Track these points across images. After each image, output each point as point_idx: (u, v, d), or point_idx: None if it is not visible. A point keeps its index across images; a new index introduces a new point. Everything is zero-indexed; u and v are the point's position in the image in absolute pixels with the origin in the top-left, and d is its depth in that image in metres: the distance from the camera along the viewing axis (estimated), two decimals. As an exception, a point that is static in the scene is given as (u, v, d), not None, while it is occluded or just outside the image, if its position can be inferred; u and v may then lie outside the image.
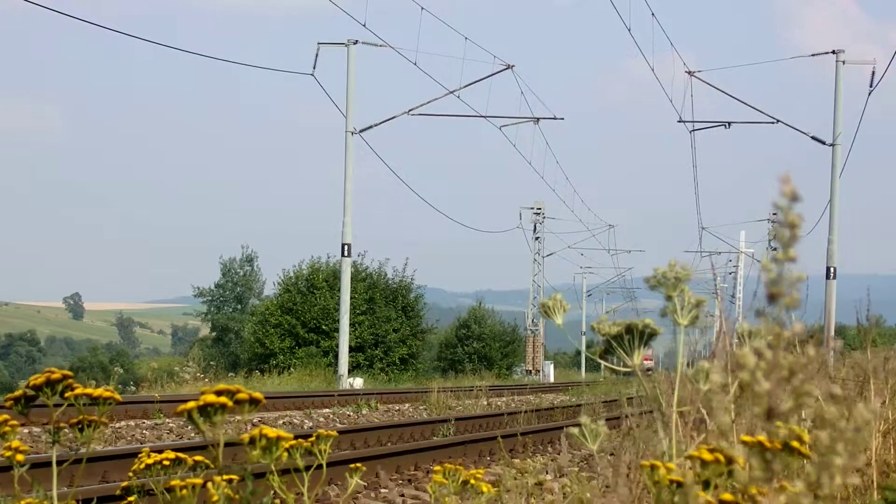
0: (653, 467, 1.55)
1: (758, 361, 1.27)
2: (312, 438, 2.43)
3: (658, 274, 1.95)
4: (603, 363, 2.10)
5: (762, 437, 1.29)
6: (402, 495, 10.90)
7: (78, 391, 2.14)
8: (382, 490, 11.21)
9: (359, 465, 2.72)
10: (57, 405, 2.15)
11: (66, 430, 2.20)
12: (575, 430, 2.08)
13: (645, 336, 2.07)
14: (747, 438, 1.29)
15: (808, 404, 1.26)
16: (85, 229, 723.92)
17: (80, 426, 2.20)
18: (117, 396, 2.20)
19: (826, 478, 1.23)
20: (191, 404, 1.93)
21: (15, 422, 2.22)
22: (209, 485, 2.05)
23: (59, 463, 2.22)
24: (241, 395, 1.94)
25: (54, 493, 2.18)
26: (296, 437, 2.36)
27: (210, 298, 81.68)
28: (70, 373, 2.14)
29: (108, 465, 11.05)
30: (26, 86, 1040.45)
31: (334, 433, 2.48)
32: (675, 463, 1.37)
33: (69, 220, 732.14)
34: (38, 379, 2.14)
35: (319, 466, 2.45)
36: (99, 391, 2.15)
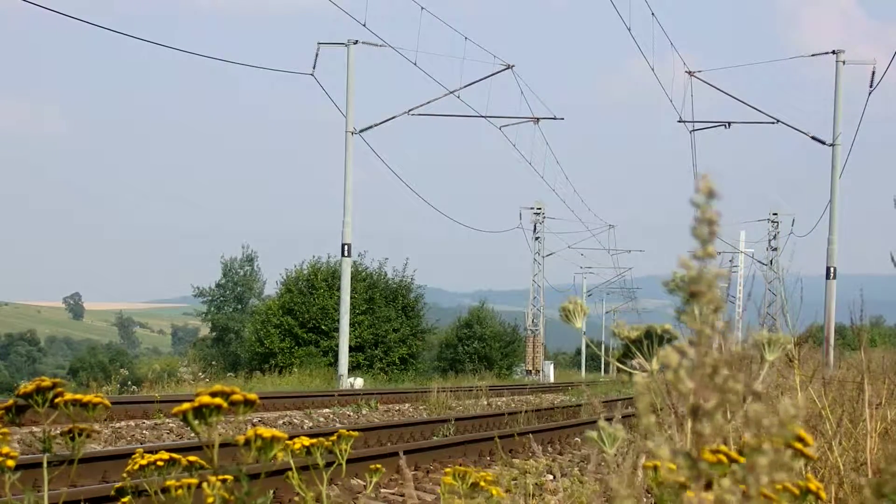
0: (655, 468, 1.55)
1: (681, 360, 1.28)
2: (334, 437, 2.44)
3: (677, 278, 1.96)
4: (620, 367, 2.11)
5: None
6: (402, 496, 10.91)
7: (67, 397, 2.17)
8: (382, 490, 11.21)
9: (378, 465, 2.74)
10: (52, 407, 2.17)
11: (57, 439, 2.23)
12: (593, 434, 2.09)
13: (664, 341, 2.08)
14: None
15: (733, 402, 1.27)
16: (85, 229, 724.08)
17: (70, 434, 2.23)
18: (106, 402, 2.23)
19: (752, 477, 1.24)
20: (186, 406, 1.94)
21: (6, 430, 2.24)
22: (204, 485, 2.06)
23: (54, 466, 2.24)
24: (235, 397, 1.95)
25: (45, 497, 2.19)
26: (316, 436, 2.37)
27: (210, 298, 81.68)
28: (60, 380, 2.18)
29: (108, 465, 11.07)
30: (26, 86, 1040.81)
31: (356, 433, 2.50)
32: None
33: (69, 220, 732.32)
34: (28, 387, 2.17)
35: (338, 465, 2.47)
36: (88, 397, 2.18)
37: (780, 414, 1.24)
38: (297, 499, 9.72)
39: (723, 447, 1.46)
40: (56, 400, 2.17)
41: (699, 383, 1.26)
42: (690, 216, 1.32)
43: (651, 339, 1.97)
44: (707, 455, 1.28)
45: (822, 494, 1.53)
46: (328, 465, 2.49)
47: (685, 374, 1.26)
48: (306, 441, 2.21)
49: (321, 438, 2.35)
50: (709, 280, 1.30)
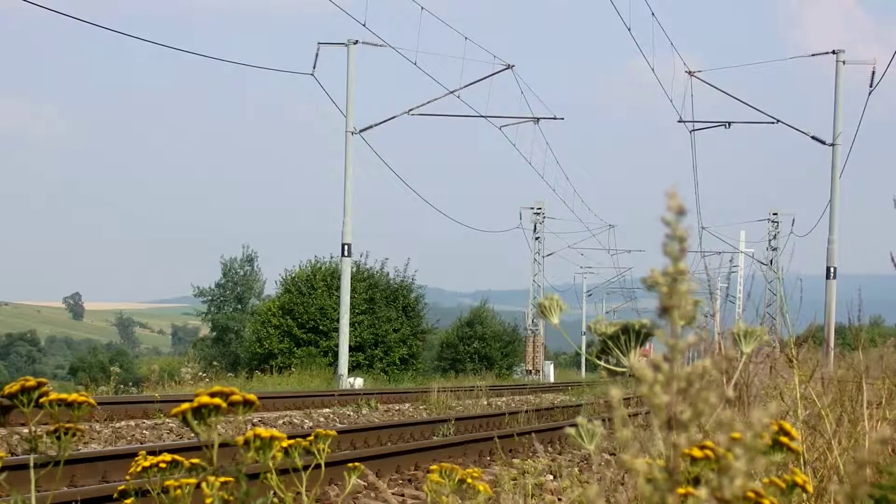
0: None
1: (655, 374, 1.28)
2: (311, 438, 2.43)
3: (655, 275, 1.94)
4: (598, 363, 2.10)
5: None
6: (402, 495, 10.90)
7: (52, 397, 2.16)
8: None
9: (357, 464, 2.72)
10: (38, 406, 2.16)
11: (43, 438, 2.22)
12: (572, 431, 2.08)
13: (642, 336, 2.07)
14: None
15: (707, 413, 1.27)
16: (85, 229, 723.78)
17: (56, 434, 2.22)
18: (92, 401, 2.23)
19: (726, 481, 1.24)
20: (185, 406, 1.93)
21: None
22: (203, 485, 2.05)
23: (41, 467, 2.23)
24: (235, 397, 1.94)
25: (33, 498, 2.19)
26: (295, 437, 2.37)
27: (210, 298, 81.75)
28: (45, 380, 2.18)
29: (108, 465, 11.06)
30: (26, 86, 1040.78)
31: (333, 433, 2.48)
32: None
33: (69, 220, 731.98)
34: (13, 387, 2.16)
35: (318, 466, 2.45)
36: (73, 396, 2.18)
37: (754, 423, 1.23)
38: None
39: (696, 451, 1.46)
40: (41, 400, 2.16)
41: (673, 397, 1.26)
42: (662, 232, 1.32)
43: (629, 335, 1.96)
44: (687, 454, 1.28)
45: (809, 488, 1.53)
46: (327, 464, 2.47)
47: (660, 388, 1.26)
48: (285, 442, 2.20)
49: (298, 439, 2.33)
50: (681, 295, 1.29)
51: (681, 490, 1.27)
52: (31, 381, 2.15)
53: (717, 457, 1.34)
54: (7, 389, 2.16)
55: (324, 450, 2.38)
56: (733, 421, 1.26)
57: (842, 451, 4.38)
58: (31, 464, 2.15)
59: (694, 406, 1.25)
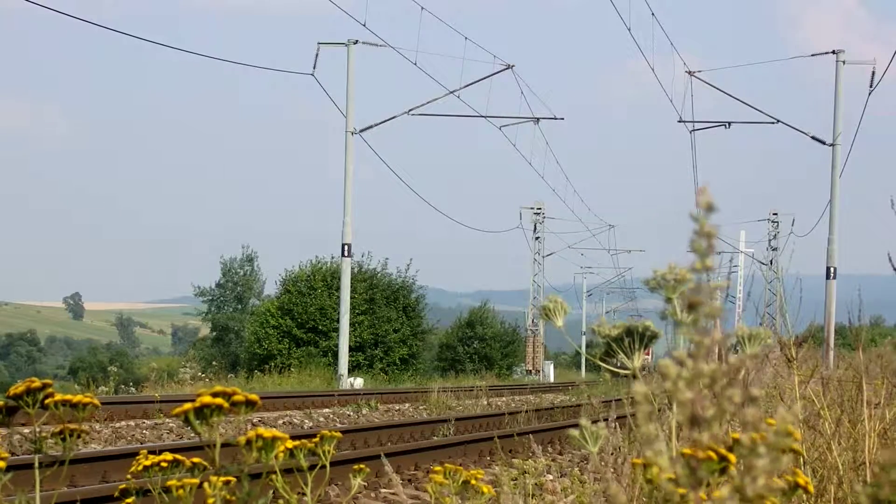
0: (645, 465, 1.55)
1: (679, 370, 1.28)
2: (316, 439, 2.43)
3: (658, 276, 1.95)
4: (603, 365, 2.10)
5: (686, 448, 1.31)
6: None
7: (57, 398, 2.17)
8: (382, 490, 11.21)
9: (362, 465, 2.73)
10: (43, 407, 2.17)
11: (48, 440, 2.23)
12: (575, 433, 2.08)
13: (645, 338, 2.07)
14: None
15: (730, 410, 1.28)
16: (85, 229, 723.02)
17: (61, 435, 2.23)
18: (96, 402, 2.23)
19: (749, 480, 1.25)
20: (187, 406, 1.94)
21: (-3, 432, 2.26)
22: (205, 485, 2.06)
23: (46, 467, 2.24)
24: (237, 397, 1.95)
25: (37, 498, 2.20)
26: (297, 438, 2.37)
27: (210, 298, 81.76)
28: (50, 381, 2.18)
29: (108, 465, 11.07)
30: (26, 86, 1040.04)
31: (338, 434, 2.48)
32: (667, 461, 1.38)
33: (69, 220, 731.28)
34: (18, 388, 2.17)
35: (322, 466, 2.46)
36: (78, 397, 2.19)
37: (778, 422, 1.24)
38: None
39: (720, 448, 1.46)
40: (46, 401, 2.17)
41: (697, 393, 1.26)
42: (689, 228, 1.32)
43: (632, 337, 1.96)
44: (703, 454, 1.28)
45: (811, 488, 1.54)
46: (331, 464, 2.48)
47: (683, 385, 1.26)
48: (290, 443, 2.20)
49: (303, 440, 2.34)
50: (708, 291, 1.30)
51: (703, 495, 1.28)
52: (37, 383, 2.16)
53: (735, 456, 1.34)
54: (12, 390, 2.16)
55: (329, 451, 2.38)
56: (758, 419, 1.26)
57: (841, 452, 4.38)
58: (36, 464, 2.15)
59: (718, 404, 1.26)
